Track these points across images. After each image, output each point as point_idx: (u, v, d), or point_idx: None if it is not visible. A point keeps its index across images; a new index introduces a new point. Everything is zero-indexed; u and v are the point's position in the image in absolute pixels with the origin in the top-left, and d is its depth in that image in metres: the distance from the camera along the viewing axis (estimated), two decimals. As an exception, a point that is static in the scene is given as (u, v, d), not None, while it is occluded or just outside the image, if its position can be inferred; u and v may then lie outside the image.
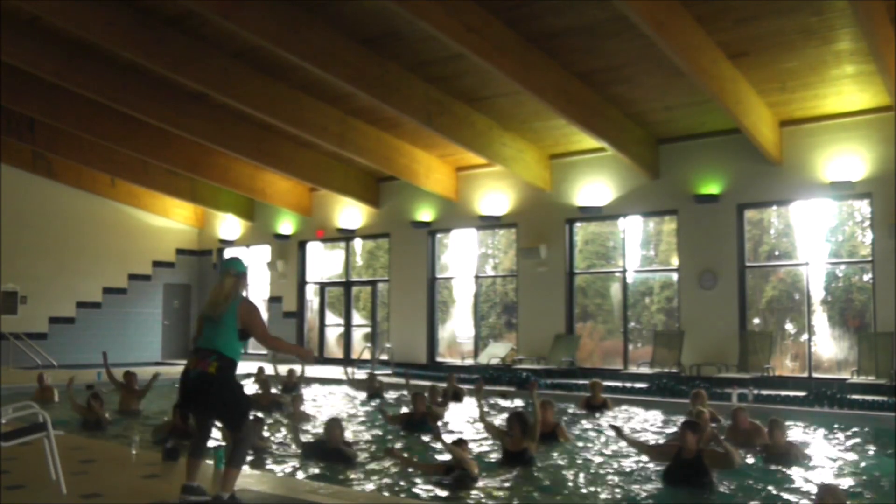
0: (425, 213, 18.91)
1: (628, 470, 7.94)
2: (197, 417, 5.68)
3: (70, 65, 13.96)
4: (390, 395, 14.30)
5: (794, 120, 13.91)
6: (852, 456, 8.69)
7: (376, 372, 15.89)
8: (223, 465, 6.67)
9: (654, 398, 12.66)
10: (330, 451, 8.10)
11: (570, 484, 7.41)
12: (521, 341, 17.15)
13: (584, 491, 7.19)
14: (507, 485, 7.26)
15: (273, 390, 13.32)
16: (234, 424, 5.51)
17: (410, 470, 7.59)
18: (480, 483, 7.14)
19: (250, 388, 15.30)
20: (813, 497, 5.61)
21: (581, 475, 7.70)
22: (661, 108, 14.24)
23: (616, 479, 7.59)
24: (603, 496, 7.03)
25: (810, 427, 10.37)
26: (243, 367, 18.76)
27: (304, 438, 9.15)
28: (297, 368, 14.74)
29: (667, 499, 6.88)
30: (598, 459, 8.47)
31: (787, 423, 8.87)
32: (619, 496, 7.00)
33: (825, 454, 8.70)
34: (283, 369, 14.87)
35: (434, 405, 11.01)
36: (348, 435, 9.34)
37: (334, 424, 8.35)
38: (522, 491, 7.13)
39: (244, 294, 5.68)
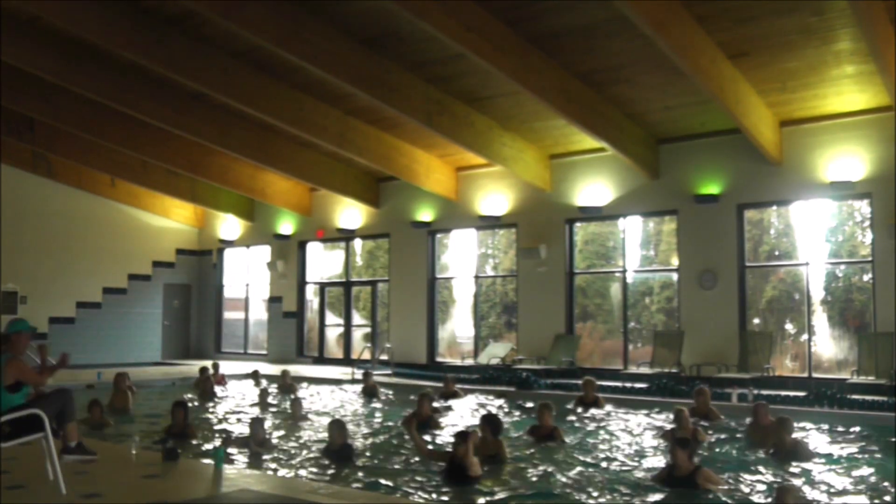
0: (425, 213, 18.91)
1: (622, 469, 7.97)
2: None
3: (70, 65, 13.93)
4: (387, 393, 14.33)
5: (794, 120, 13.90)
6: (852, 456, 8.69)
7: (374, 372, 15.92)
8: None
9: (654, 398, 12.66)
10: (333, 452, 8.15)
11: (565, 483, 7.42)
12: (521, 341, 17.14)
13: (577, 490, 7.20)
14: (502, 484, 7.26)
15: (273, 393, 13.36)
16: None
17: (416, 449, 7.68)
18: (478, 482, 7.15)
19: (249, 388, 15.37)
20: (800, 495, 5.57)
21: (575, 474, 7.72)
22: (661, 108, 14.24)
23: (609, 478, 7.61)
24: (596, 495, 7.03)
25: (810, 427, 10.36)
26: (243, 367, 18.62)
27: (305, 439, 9.15)
28: (290, 369, 14.78)
29: (664, 498, 6.87)
30: (591, 458, 8.51)
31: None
32: (612, 496, 6.99)
33: (825, 454, 8.70)
34: (277, 369, 14.89)
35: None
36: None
37: (335, 426, 8.39)
38: (516, 490, 7.15)
39: (15, 353, 6.23)
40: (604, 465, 8.26)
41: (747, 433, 9.40)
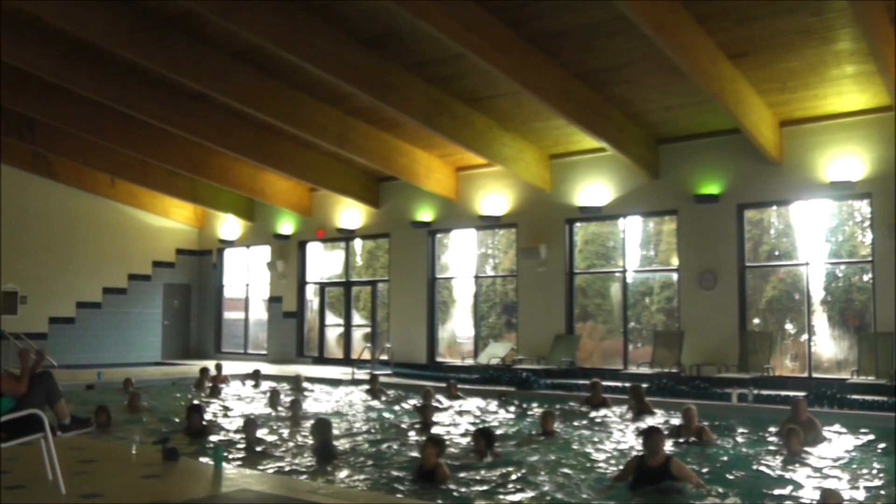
0: (425, 213, 18.91)
1: (607, 467, 8.01)
2: None
3: (70, 65, 13.94)
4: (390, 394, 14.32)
5: (794, 120, 13.90)
6: (852, 456, 8.68)
7: (376, 372, 15.94)
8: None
9: (653, 398, 12.64)
10: (315, 450, 8.23)
11: (543, 481, 7.43)
12: (521, 341, 17.14)
13: (555, 488, 7.21)
14: (491, 485, 7.28)
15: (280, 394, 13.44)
16: None
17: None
18: (454, 484, 7.16)
19: (249, 389, 15.38)
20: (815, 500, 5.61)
21: (556, 474, 7.73)
22: (661, 108, 14.24)
23: (588, 475, 7.64)
24: (589, 495, 7.04)
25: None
26: (241, 367, 18.60)
27: (304, 440, 9.16)
28: (302, 371, 14.79)
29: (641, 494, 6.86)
30: (587, 459, 8.51)
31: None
32: (588, 493, 7.00)
33: (825, 455, 8.70)
34: (278, 369, 14.87)
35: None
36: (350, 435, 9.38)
37: (316, 426, 8.48)
38: (491, 488, 7.16)
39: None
40: (587, 463, 8.25)
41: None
